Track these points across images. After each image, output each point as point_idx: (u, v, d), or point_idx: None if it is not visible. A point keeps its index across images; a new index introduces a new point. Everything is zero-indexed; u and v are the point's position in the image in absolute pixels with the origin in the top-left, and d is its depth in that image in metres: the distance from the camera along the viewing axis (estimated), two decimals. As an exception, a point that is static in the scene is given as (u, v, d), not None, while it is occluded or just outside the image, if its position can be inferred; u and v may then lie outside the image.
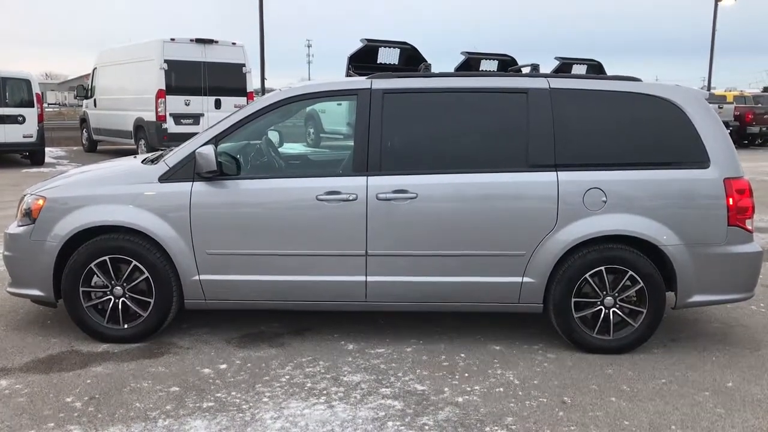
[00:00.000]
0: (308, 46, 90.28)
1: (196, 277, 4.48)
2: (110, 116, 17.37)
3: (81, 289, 4.48)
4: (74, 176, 4.92)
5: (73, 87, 27.52)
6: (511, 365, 4.28)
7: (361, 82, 4.60)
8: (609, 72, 6.95)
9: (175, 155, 4.59)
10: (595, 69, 7.23)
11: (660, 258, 4.40)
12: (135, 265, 4.45)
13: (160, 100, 14.96)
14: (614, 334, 4.44)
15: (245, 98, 15.84)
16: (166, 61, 14.93)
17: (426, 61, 5.45)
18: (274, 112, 4.65)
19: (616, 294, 4.41)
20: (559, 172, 4.37)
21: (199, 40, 15.38)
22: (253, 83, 16.92)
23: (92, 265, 4.45)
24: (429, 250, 4.40)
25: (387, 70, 5.56)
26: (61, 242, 4.45)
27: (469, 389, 3.92)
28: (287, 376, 4.07)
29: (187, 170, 4.45)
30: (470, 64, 6.40)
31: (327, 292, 4.51)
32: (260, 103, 4.67)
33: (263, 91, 25.08)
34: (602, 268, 4.37)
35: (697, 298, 4.45)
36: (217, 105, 15.62)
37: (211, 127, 4.69)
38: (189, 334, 4.76)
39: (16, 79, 15.22)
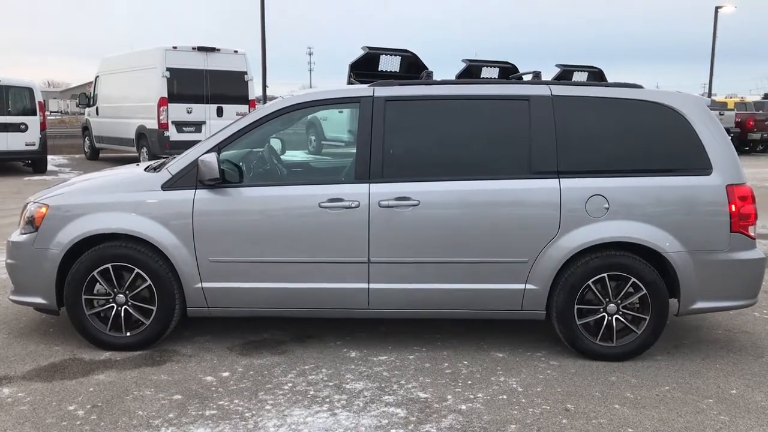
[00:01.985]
0: (309, 54, 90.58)
1: (199, 285, 4.48)
2: (112, 124, 17.40)
3: (83, 296, 4.49)
4: (77, 184, 4.92)
5: (76, 95, 27.60)
6: (514, 372, 4.27)
7: (363, 89, 4.61)
8: (610, 79, 6.95)
9: (177, 163, 4.60)
10: (596, 76, 7.23)
11: (663, 265, 4.40)
12: (137, 272, 4.46)
13: (162, 107, 14.99)
14: (617, 341, 4.43)
15: (247, 106, 15.88)
16: (168, 69, 14.96)
17: (427, 69, 5.45)
18: (276, 120, 4.67)
19: (619, 301, 4.41)
20: (561, 179, 4.37)
21: (201, 48, 15.43)
22: (254, 91, 16.95)
23: (95, 272, 4.46)
24: (431, 257, 4.40)
25: (388, 77, 5.56)
26: (64, 250, 4.46)
27: (472, 397, 3.91)
28: (290, 384, 4.06)
29: (190, 178, 4.46)
30: (471, 72, 6.39)
31: (329, 300, 4.50)
32: (263, 111, 4.68)
33: (265, 98, 25.13)
34: (605, 275, 4.36)
35: (700, 304, 4.45)
36: (219, 113, 15.65)
37: (214, 134, 4.71)
38: (191, 342, 4.75)
39: (19, 87, 15.28)
